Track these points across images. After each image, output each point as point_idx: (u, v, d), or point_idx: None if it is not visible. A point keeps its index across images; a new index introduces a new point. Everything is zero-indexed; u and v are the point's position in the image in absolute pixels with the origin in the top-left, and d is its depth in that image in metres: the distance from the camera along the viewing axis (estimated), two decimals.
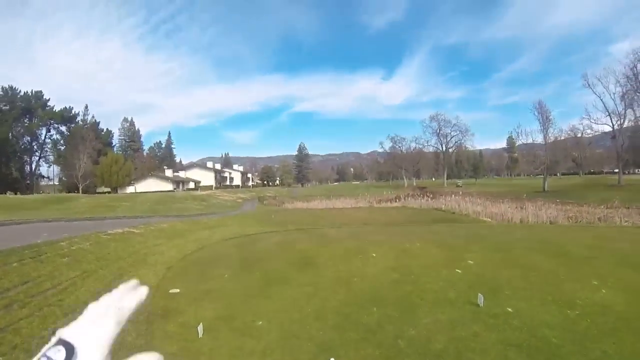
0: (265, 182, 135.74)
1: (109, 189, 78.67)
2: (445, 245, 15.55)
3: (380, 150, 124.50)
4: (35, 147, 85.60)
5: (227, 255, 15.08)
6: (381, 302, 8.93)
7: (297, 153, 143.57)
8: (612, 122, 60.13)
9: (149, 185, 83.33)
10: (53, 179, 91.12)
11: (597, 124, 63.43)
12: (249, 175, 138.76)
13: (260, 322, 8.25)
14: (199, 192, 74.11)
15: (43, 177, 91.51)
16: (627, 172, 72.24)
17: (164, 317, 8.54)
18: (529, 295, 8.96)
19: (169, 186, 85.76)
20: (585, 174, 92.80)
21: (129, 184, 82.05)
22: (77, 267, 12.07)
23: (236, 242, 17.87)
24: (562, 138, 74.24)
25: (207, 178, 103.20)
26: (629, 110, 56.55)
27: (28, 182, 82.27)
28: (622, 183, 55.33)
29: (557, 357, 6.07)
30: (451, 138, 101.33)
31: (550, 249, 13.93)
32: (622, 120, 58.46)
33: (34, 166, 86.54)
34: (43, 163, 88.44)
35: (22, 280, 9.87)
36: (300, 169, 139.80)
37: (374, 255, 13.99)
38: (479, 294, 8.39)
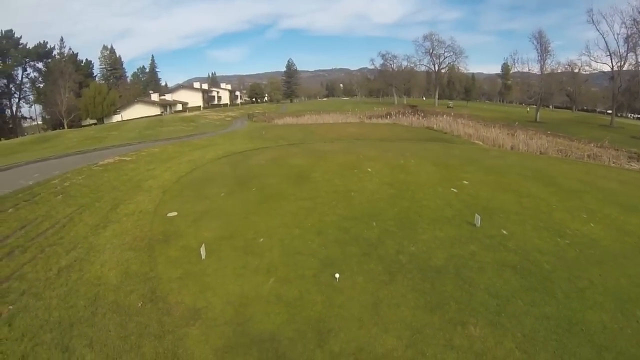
0: (254, 100, 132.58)
1: (94, 121, 74.88)
2: (440, 163, 15.71)
3: (371, 67, 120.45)
4: (13, 89, 77.64)
5: (221, 173, 14.77)
6: (380, 217, 9.09)
7: (285, 69, 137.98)
8: (612, 62, 58.24)
9: (136, 111, 79.71)
10: (36, 119, 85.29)
11: (597, 62, 61.34)
12: (237, 93, 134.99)
13: (262, 239, 8.19)
14: (187, 114, 72.17)
15: (25, 118, 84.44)
16: (619, 115, 71.95)
17: (164, 242, 8.37)
18: (522, 219, 9.27)
19: (156, 110, 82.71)
20: (578, 110, 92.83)
21: (115, 112, 78.10)
22: (72, 202, 11.53)
23: (229, 160, 17.50)
24: (559, 71, 72.81)
25: (194, 99, 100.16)
26: (631, 54, 54.86)
27: (11, 125, 77.19)
28: (614, 125, 55.34)
29: (547, 281, 6.42)
30: (444, 59, 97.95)
31: (542, 178, 14.22)
32: (622, 63, 56.65)
33: (14, 109, 79.25)
34: (23, 104, 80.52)
35: (20, 224, 9.60)
36: (289, 85, 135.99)
37: (369, 170, 14.05)
38: (476, 215, 8.61)
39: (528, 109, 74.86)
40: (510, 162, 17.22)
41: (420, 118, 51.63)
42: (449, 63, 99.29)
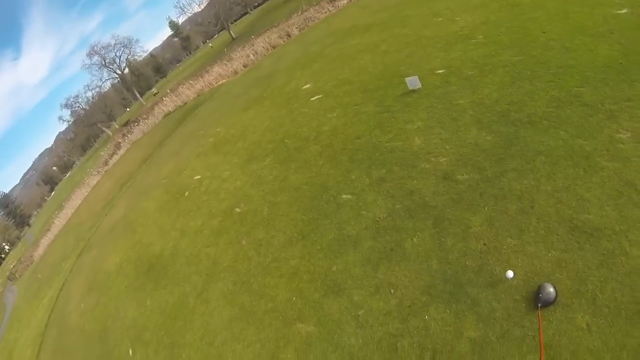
0: None
1: None
2: (260, 105, 13.96)
3: (64, 126, 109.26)
4: None
5: None
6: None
7: None
8: None
9: None
10: None
11: None
12: None
13: None
14: None
15: None
16: None
17: None
18: (418, 59, 7.98)
19: None
20: (252, 9, 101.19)
21: None
22: None
23: None
24: None
25: None
26: None
27: None
28: None
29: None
30: (120, 57, 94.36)
31: (353, 34, 13.85)
32: None
33: None
34: None
35: None
36: None
37: (199, 177, 10.98)
38: (406, 79, 6.81)
39: (211, 45, 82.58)
40: (296, 55, 16.22)
41: (150, 120, 47.36)
42: (126, 58, 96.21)
